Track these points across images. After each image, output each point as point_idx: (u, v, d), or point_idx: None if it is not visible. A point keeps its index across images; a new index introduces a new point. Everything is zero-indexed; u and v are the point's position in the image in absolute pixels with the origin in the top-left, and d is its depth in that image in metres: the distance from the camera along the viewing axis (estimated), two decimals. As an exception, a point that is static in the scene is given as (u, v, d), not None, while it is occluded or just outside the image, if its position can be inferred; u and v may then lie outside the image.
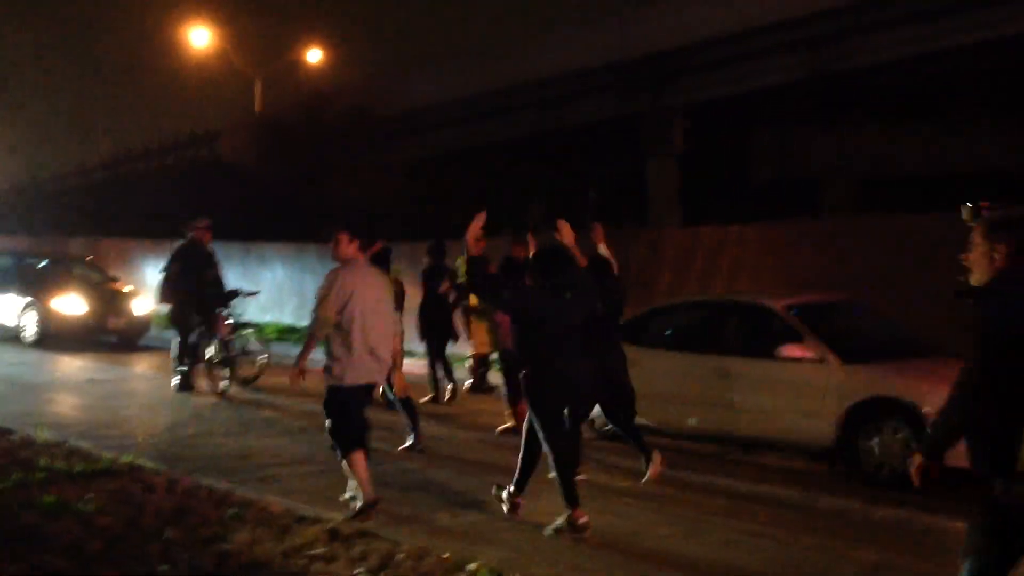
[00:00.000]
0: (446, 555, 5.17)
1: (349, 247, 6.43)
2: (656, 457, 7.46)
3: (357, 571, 4.91)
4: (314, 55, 33.87)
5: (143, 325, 17.45)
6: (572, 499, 6.12)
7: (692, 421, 8.95)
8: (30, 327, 16.37)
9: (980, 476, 3.36)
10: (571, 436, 6.60)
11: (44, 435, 8.01)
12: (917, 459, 3.49)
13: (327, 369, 6.29)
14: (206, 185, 28.99)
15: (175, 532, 5.47)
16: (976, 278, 3.56)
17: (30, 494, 6.17)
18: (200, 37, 32.71)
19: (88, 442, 8.15)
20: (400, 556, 5.17)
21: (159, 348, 17.11)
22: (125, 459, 7.26)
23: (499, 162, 26.95)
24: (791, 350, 8.39)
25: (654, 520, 6.63)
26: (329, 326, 6.23)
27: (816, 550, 6.07)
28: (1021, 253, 3.48)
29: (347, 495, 6.39)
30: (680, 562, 5.75)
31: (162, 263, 12.20)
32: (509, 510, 6.48)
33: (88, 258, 20.71)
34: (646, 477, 7.44)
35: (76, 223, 30.16)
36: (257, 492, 6.65)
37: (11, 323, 16.60)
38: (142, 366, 14.82)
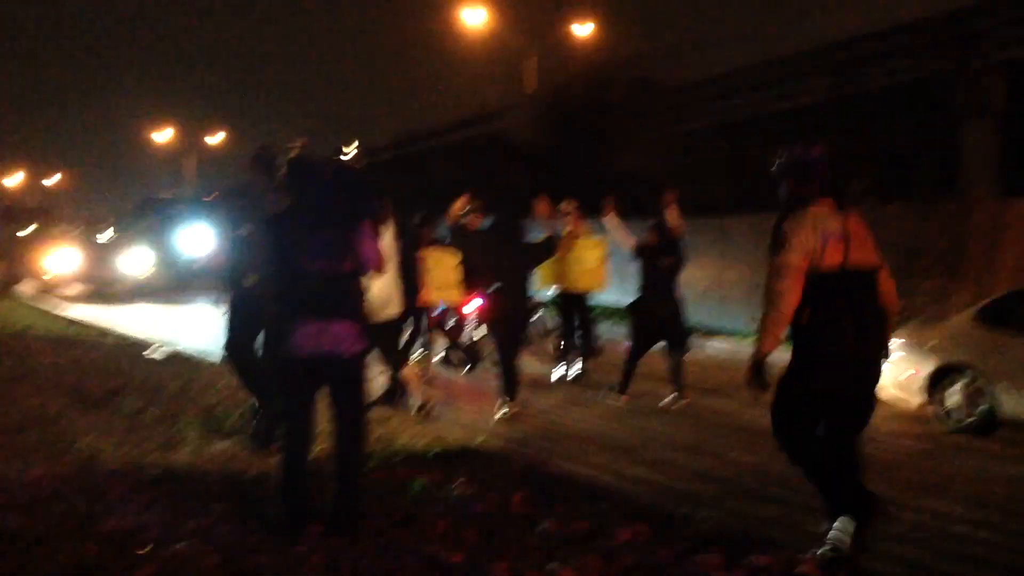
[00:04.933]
0: None
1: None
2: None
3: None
4: (584, 29, 33.71)
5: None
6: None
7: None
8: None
9: None
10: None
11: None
12: None
13: None
14: (489, 162, 29.41)
15: (550, 524, 5.21)
16: None
17: (393, 475, 6.12)
18: (473, 17, 33.43)
19: (429, 421, 8.15)
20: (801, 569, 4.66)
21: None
22: (478, 440, 7.16)
23: (784, 131, 25.70)
24: None
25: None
26: None
27: None
28: None
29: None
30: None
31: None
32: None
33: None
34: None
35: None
36: (616, 480, 6.35)
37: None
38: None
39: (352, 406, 5.22)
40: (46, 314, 16.44)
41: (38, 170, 71.12)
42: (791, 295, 4.69)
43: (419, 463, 6.47)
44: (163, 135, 58.40)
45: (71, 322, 15.05)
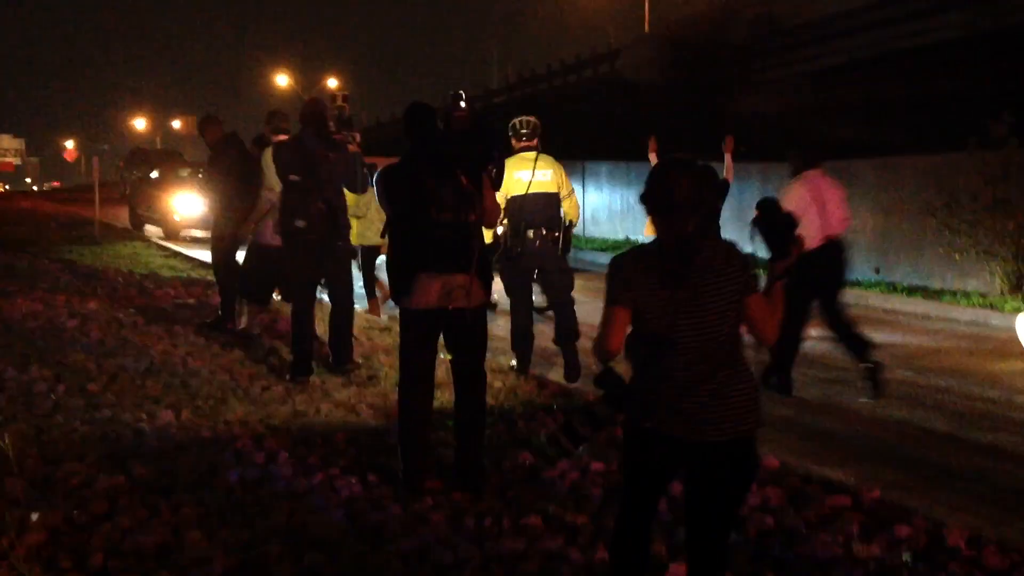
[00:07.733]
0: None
1: None
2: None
3: (905, 556, 4.22)
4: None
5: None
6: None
7: None
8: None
9: None
10: None
11: (510, 362, 7.97)
12: None
13: None
14: (608, 102, 28.94)
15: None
16: None
17: (515, 429, 6.04)
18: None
19: (541, 369, 8.05)
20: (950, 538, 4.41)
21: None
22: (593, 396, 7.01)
23: (915, 70, 24.55)
24: None
25: None
26: None
27: None
28: None
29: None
30: None
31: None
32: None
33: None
34: None
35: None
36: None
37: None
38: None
39: (474, 359, 5.12)
40: (173, 256, 16.86)
41: (163, 114, 73.19)
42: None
43: (538, 415, 6.37)
44: (283, 80, 59.46)
45: (198, 264, 15.38)
